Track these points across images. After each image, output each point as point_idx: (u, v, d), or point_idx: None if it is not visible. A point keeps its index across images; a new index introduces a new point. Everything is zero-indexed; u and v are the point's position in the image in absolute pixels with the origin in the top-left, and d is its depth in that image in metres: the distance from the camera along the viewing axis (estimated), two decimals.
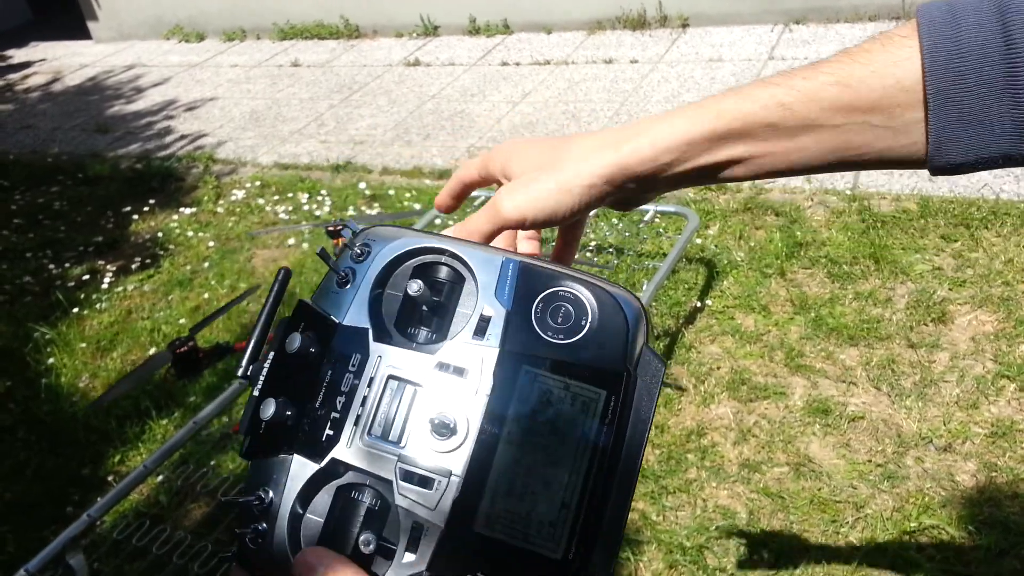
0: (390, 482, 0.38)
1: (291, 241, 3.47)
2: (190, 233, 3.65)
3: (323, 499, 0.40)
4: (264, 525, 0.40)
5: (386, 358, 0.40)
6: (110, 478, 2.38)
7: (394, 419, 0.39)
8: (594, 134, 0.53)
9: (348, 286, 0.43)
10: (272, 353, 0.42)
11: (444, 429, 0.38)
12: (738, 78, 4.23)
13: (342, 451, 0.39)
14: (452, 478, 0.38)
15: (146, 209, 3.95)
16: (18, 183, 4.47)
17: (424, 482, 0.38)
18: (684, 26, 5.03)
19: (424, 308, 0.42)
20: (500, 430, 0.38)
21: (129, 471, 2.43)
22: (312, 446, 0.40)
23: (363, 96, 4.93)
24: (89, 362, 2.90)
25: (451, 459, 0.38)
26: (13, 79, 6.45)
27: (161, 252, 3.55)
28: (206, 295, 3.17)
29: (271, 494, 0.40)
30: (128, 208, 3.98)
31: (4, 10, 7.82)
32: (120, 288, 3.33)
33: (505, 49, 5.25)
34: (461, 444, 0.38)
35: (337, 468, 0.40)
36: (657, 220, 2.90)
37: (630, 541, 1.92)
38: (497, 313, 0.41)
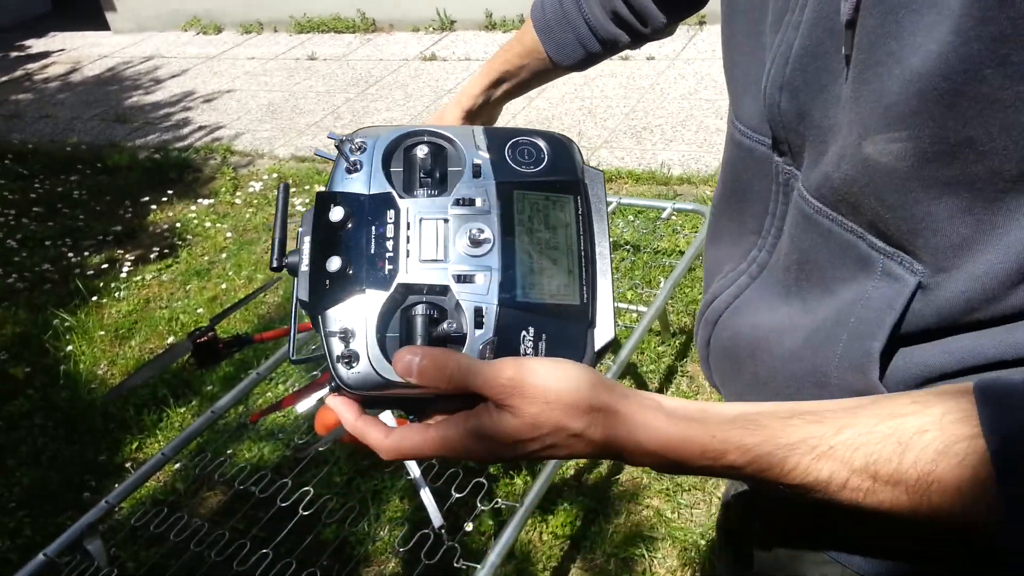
0: (447, 287, 0.53)
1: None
2: (208, 224, 3.67)
3: (394, 322, 0.53)
4: (354, 350, 0.52)
5: (413, 207, 0.55)
6: (127, 465, 2.40)
7: (436, 244, 0.53)
8: (453, 99, 0.98)
9: (359, 171, 0.56)
10: (308, 237, 0.55)
11: (478, 239, 0.53)
12: None
13: (404, 276, 0.53)
14: (493, 271, 0.53)
15: (164, 199, 3.98)
16: (37, 172, 4.50)
17: (472, 279, 0.53)
18: (701, 23, 5.02)
19: (423, 171, 0.57)
20: (513, 233, 0.54)
21: (146, 458, 2.45)
22: (379, 281, 0.52)
23: (379, 90, 4.94)
24: (108, 350, 2.92)
25: (487, 259, 0.53)
26: (32, 69, 6.49)
27: (179, 242, 3.57)
28: (224, 285, 3.18)
29: (351, 327, 0.52)
30: (146, 198, 4.00)
31: (23, 0, 7.86)
32: (138, 277, 3.35)
33: None
34: (491, 247, 0.53)
35: (402, 292, 0.53)
36: (674, 217, 2.90)
37: (644, 537, 1.92)
38: (484, 160, 0.56)
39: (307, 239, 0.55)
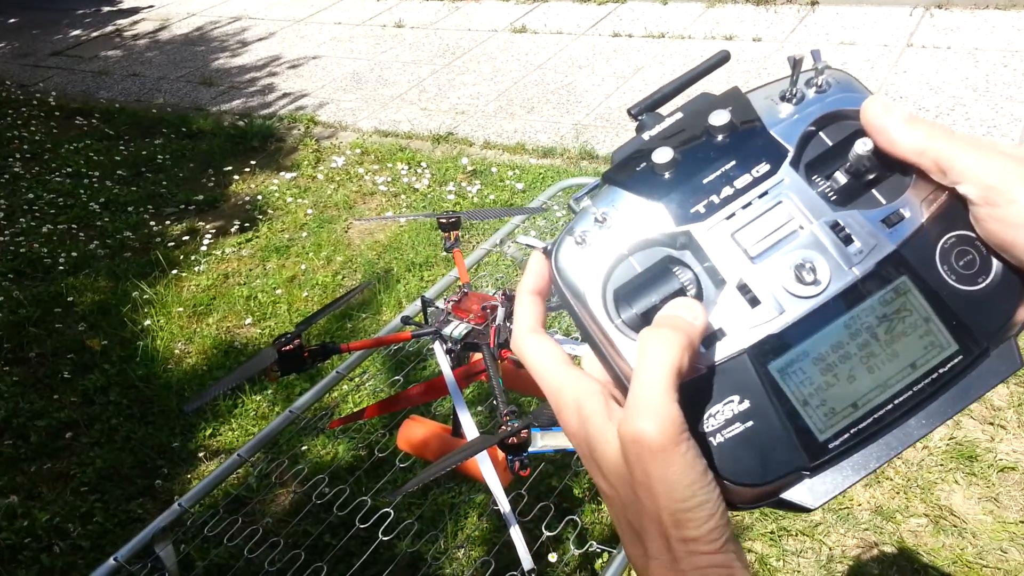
0: (723, 282, 0.39)
1: (389, 212, 3.37)
2: (289, 198, 3.59)
3: (648, 256, 0.41)
4: (588, 236, 0.41)
5: (790, 185, 0.40)
6: (200, 453, 2.34)
7: (764, 238, 0.39)
8: None
9: (792, 105, 0.41)
10: (680, 113, 0.43)
11: (806, 275, 0.38)
12: (873, 65, 3.91)
13: (700, 230, 0.40)
14: (782, 315, 0.38)
15: (247, 170, 3.91)
16: (123, 133, 4.49)
17: (754, 302, 0.39)
18: (813, 3, 4.69)
19: (844, 169, 0.40)
20: (846, 310, 0.39)
21: (219, 446, 2.39)
22: (679, 208, 0.40)
23: (466, 62, 4.78)
24: (185, 326, 2.87)
25: (791, 301, 0.38)
26: (123, 24, 6.52)
27: (260, 216, 3.49)
28: (303, 266, 3.09)
29: (611, 220, 0.41)
30: (229, 167, 3.94)
31: None
32: (218, 250, 3.29)
33: (617, 19, 5.00)
34: (810, 297, 0.38)
35: (683, 240, 0.40)
36: None
37: None
38: (913, 218, 0.40)
39: (678, 113, 0.43)
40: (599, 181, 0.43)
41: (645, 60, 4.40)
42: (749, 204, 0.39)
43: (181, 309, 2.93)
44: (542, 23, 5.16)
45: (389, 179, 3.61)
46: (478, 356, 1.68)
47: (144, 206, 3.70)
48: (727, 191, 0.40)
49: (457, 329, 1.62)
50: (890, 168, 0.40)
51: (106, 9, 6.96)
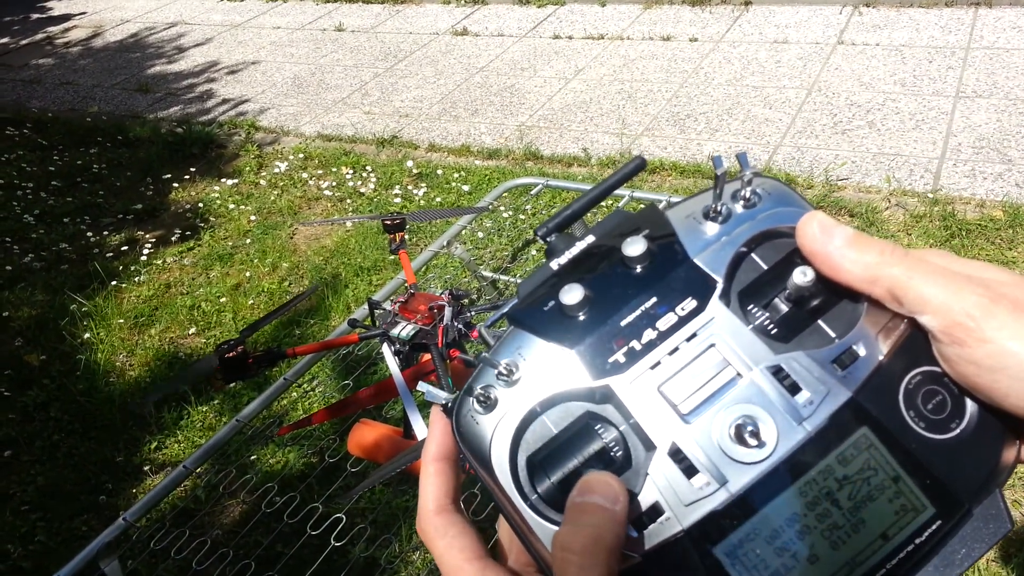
0: (653, 447, 0.33)
1: (335, 216, 3.35)
2: (231, 205, 3.53)
3: (564, 413, 0.35)
4: (493, 394, 0.35)
5: (722, 323, 0.34)
6: (146, 467, 2.29)
7: (696, 391, 0.34)
8: None
9: (718, 225, 0.36)
10: (592, 235, 0.38)
11: (750, 438, 0.32)
12: (806, 63, 4.01)
13: (621, 384, 0.34)
14: (724, 489, 0.32)
15: (187, 177, 3.84)
16: (56, 142, 4.37)
17: (690, 471, 0.33)
18: (747, 3, 4.80)
19: (784, 296, 0.35)
20: (800, 475, 0.32)
21: (165, 459, 2.34)
22: (595, 357, 0.35)
23: (408, 65, 4.76)
24: (127, 338, 2.81)
25: (734, 469, 0.32)
26: (53, 32, 6.34)
27: (201, 224, 3.43)
28: (248, 273, 3.05)
29: (519, 372, 0.35)
30: (168, 175, 3.86)
31: None
32: (159, 260, 3.22)
33: (557, 21, 5.04)
34: (755, 463, 0.32)
35: (604, 395, 0.34)
36: None
37: None
38: (869, 356, 0.34)
39: (588, 237, 0.38)
40: (505, 321, 0.37)
41: (586, 61, 4.44)
42: (676, 350, 0.34)
43: (122, 321, 2.87)
44: (483, 26, 5.17)
45: (334, 183, 3.58)
46: (427, 356, 1.68)
47: (80, 217, 3.60)
48: (649, 335, 0.34)
49: (405, 330, 1.62)
50: (837, 293, 0.35)
51: (35, 16, 6.77)
